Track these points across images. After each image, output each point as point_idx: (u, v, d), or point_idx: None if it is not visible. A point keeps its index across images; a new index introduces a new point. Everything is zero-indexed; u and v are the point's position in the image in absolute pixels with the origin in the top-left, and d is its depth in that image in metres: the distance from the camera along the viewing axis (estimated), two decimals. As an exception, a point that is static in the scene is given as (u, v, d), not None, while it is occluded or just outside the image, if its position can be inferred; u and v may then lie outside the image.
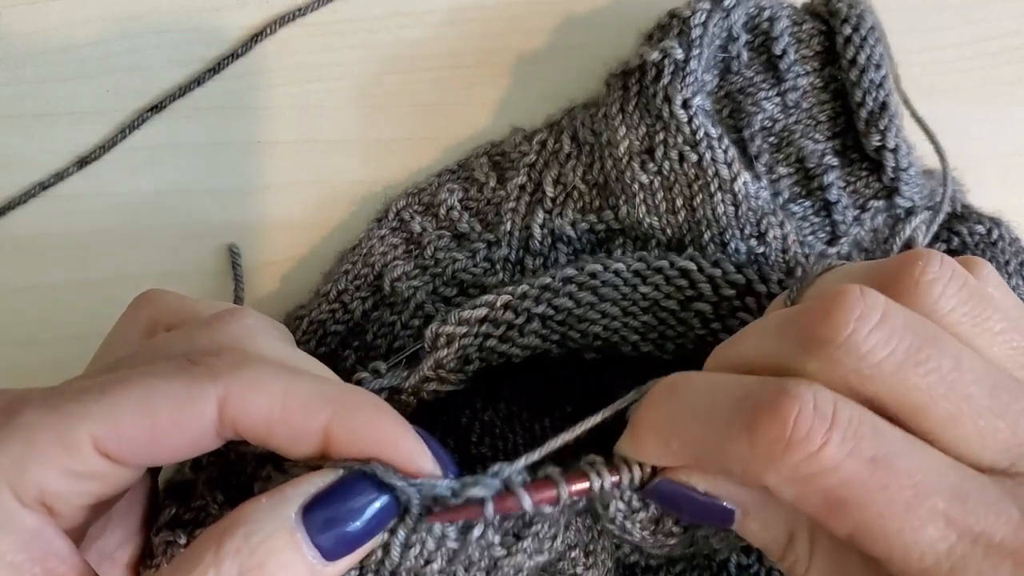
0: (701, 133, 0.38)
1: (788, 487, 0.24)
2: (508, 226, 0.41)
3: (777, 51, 0.40)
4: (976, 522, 0.23)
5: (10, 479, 0.26)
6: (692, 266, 0.35)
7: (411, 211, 0.42)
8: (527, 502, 0.28)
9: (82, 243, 0.44)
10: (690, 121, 0.38)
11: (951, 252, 0.40)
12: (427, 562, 0.29)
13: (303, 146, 0.45)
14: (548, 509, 0.29)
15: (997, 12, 0.47)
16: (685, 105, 0.38)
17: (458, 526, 0.29)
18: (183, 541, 0.30)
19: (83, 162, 0.45)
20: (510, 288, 0.36)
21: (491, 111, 0.46)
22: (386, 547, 0.29)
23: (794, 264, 0.38)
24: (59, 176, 0.45)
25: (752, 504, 0.28)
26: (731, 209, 0.38)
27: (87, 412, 0.26)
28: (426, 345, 0.35)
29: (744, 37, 0.41)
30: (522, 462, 0.29)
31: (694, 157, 0.38)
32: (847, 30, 0.39)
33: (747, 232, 0.38)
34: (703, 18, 0.39)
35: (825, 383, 0.25)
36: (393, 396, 0.35)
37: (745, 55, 0.41)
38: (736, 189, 0.38)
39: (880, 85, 0.38)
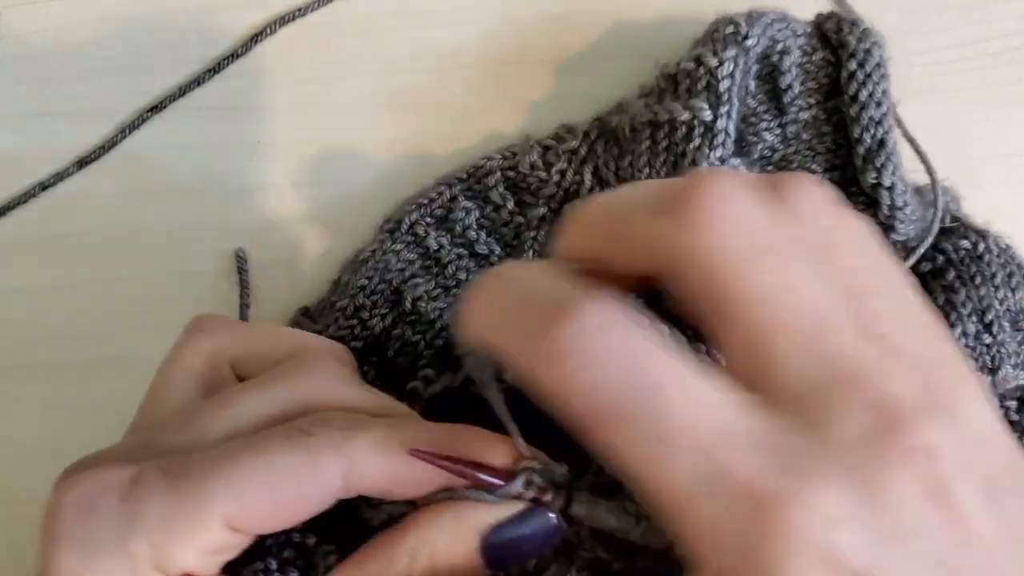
0: None
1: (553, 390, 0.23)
2: (530, 255, 0.41)
3: (783, 85, 0.40)
4: (726, 457, 0.22)
5: (157, 563, 0.28)
6: None
7: (424, 224, 0.42)
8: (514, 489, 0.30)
9: (82, 243, 0.44)
10: None
11: (936, 270, 0.40)
12: None
13: (303, 146, 0.45)
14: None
15: (998, 13, 0.47)
16: None
17: None
18: (274, 566, 0.31)
19: (83, 162, 0.45)
20: None
21: (494, 112, 0.46)
22: None
23: None
24: (59, 176, 0.45)
25: None
26: None
27: (216, 495, 0.28)
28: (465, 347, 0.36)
29: (754, 68, 0.40)
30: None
31: None
32: (852, 65, 0.39)
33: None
34: (731, 69, 0.38)
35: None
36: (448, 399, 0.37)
37: (752, 85, 0.41)
38: None
39: (879, 123, 0.38)
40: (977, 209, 0.43)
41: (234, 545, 0.29)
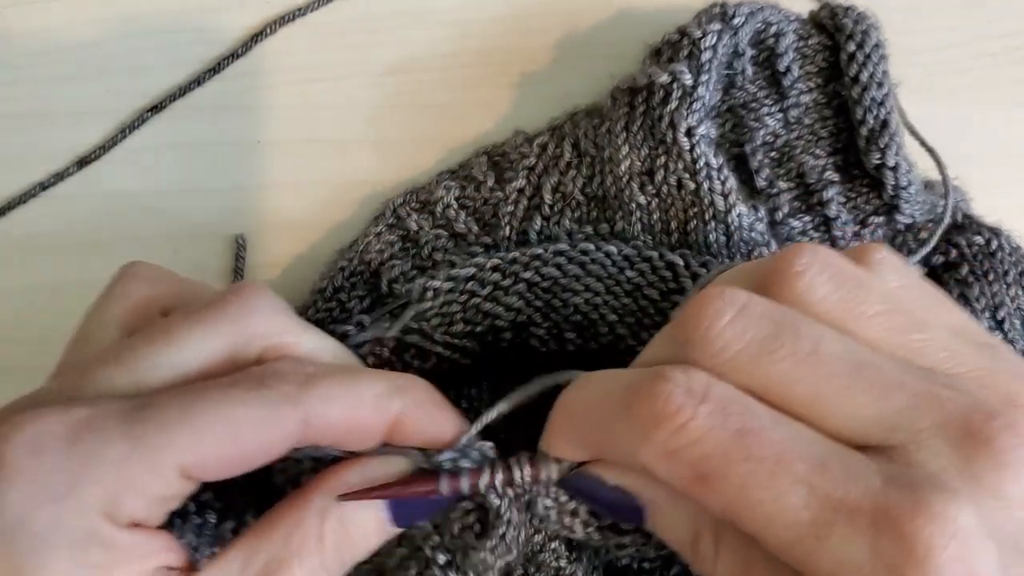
0: (702, 163, 0.38)
1: (661, 463, 0.25)
2: (506, 231, 0.41)
3: (781, 68, 0.41)
4: (835, 489, 0.23)
5: (108, 511, 0.27)
6: (679, 261, 0.36)
7: (408, 208, 0.42)
8: (444, 486, 0.30)
9: (82, 243, 0.44)
10: (692, 149, 0.38)
11: (949, 264, 0.40)
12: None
13: (303, 146, 0.45)
14: (493, 498, 0.31)
15: (998, 12, 0.47)
16: (689, 133, 0.38)
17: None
18: (193, 508, 0.31)
19: (83, 162, 0.45)
20: (501, 253, 0.37)
21: (493, 112, 0.46)
22: None
23: None
24: (59, 176, 0.45)
25: (657, 500, 0.29)
26: (723, 239, 0.38)
27: (174, 444, 0.27)
28: (413, 298, 0.36)
29: (749, 52, 0.41)
30: (447, 453, 0.31)
31: (692, 185, 0.38)
32: (851, 47, 0.39)
33: (736, 262, 0.38)
34: (713, 40, 0.39)
35: None
36: (375, 347, 0.36)
37: (749, 70, 0.41)
38: (730, 221, 0.38)
39: (881, 103, 0.38)
40: (977, 209, 0.43)
41: (182, 494, 0.29)
